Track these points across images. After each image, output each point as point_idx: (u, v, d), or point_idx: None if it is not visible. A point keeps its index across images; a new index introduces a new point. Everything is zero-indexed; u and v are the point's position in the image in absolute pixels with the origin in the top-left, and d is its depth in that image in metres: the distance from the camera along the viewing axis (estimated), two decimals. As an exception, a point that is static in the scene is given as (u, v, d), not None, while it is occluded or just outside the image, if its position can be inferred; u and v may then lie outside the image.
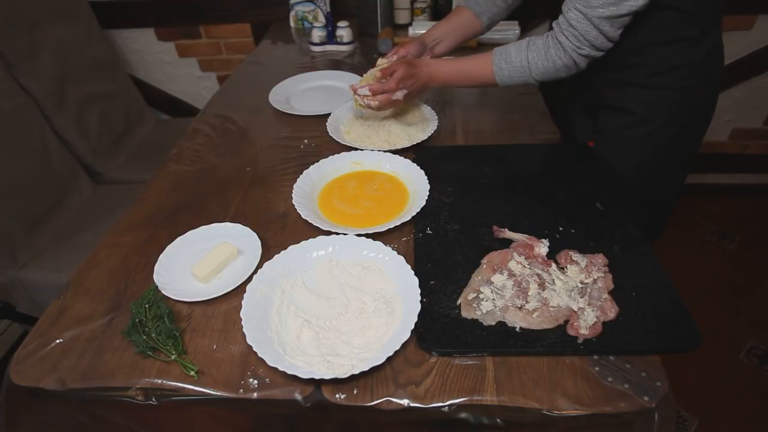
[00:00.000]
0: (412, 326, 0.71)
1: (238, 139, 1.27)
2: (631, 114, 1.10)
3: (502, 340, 0.71)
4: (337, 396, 0.67)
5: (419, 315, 0.72)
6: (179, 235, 0.92)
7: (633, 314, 0.73)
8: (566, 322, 0.72)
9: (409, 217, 0.92)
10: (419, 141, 1.15)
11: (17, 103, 1.50)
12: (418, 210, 0.93)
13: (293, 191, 0.99)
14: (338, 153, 1.11)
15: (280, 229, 0.95)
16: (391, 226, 0.90)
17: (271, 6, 2.00)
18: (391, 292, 0.79)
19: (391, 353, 0.68)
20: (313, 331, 0.73)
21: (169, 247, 0.90)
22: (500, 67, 1.02)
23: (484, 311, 0.74)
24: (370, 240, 0.86)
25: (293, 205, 0.96)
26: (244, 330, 0.72)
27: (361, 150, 1.12)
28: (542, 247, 0.82)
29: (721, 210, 2.29)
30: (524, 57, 0.99)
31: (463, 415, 0.66)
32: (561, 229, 0.89)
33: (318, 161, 1.08)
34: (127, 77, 2.03)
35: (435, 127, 1.19)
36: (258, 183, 1.09)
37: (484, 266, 0.81)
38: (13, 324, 1.79)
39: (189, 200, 1.05)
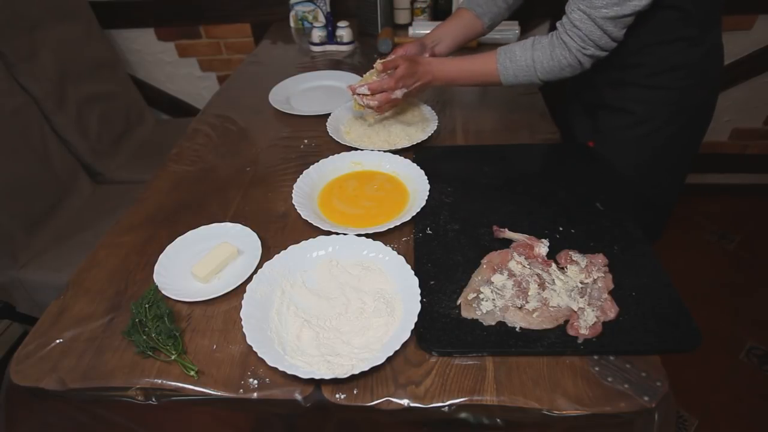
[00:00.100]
0: (412, 326, 0.71)
1: (238, 139, 1.27)
2: (630, 114, 1.10)
3: (502, 340, 0.71)
4: (337, 396, 0.67)
5: (419, 315, 0.72)
6: (179, 235, 0.92)
7: (633, 314, 0.73)
8: (566, 322, 0.72)
9: (409, 217, 0.92)
10: (419, 141, 1.15)
11: (17, 103, 1.50)
12: (418, 210, 0.93)
13: (293, 191, 0.99)
14: (338, 153, 1.11)
15: (280, 229, 0.95)
16: (391, 226, 0.90)
17: (271, 6, 2.00)
18: (391, 292, 0.79)
19: (391, 353, 0.68)
20: (313, 331, 0.73)
21: (169, 247, 0.90)
22: (505, 66, 1.02)
23: (484, 311, 0.74)
24: (370, 240, 0.86)
25: (293, 205, 0.96)
26: (244, 330, 0.72)
27: (361, 150, 1.12)
28: (542, 247, 0.82)
29: (721, 210, 2.29)
30: (529, 56, 0.99)
31: (463, 415, 0.66)
32: (561, 229, 0.89)
33: (318, 161, 1.08)
34: (127, 77, 2.03)
35: (435, 127, 1.19)
36: (258, 183, 1.09)
37: (484, 266, 0.81)
38: (13, 324, 1.79)
39: (189, 200, 1.05)
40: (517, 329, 0.72)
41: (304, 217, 0.93)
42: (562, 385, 0.66)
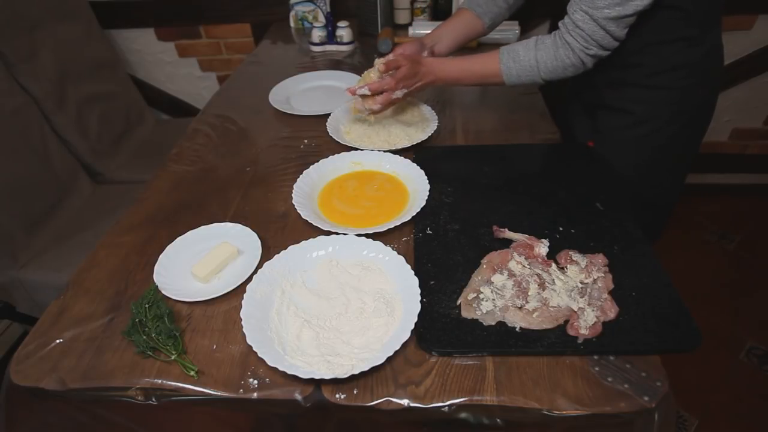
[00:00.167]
0: (412, 326, 0.71)
1: (238, 139, 1.27)
2: (630, 114, 1.10)
3: (502, 340, 0.71)
4: (337, 396, 0.67)
5: (419, 315, 0.72)
6: (179, 235, 0.92)
7: (633, 314, 0.73)
8: (566, 322, 0.72)
9: (409, 217, 0.92)
10: (419, 141, 1.15)
11: (17, 103, 1.50)
12: (418, 210, 0.93)
13: (293, 191, 0.99)
14: (338, 153, 1.11)
15: (280, 229, 0.95)
16: (391, 226, 0.90)
17: (271, 6, 2.00)
18: (391, 292, 0.79)
19: (391, 353, 0.68)
20: (313, 331, 0.73)
21: (169, 247, 0.90)
22: (508, 66, 1.03)
23: (484, 311, 0.74)
24: (370, 240, 0.86)
25: (293, 205, 0.96)
26: (244, 330, 0.72)
27: (361, 150, 1.12)
28: (542, 247, 0.82)
29: (721, 210, 2.29)
30: (533, 56, 0.99)
31: (463, 415, 0.66)
32: (561, 229, 0.89)
33: (318, 161, 1.08)
34: (127, 77, 2.03)
35: (435, 127, 1.19)
36: (258, 183, 1.09)
37: (484, 266, 0.81)
38: (13, 324, 1.79)
39: (189, 200, 1.05)
40: (517, 329, 0.72)
41: (304, 217, 0.93)
42: (562, 385, 0.66)
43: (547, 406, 0.64)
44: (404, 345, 0.70)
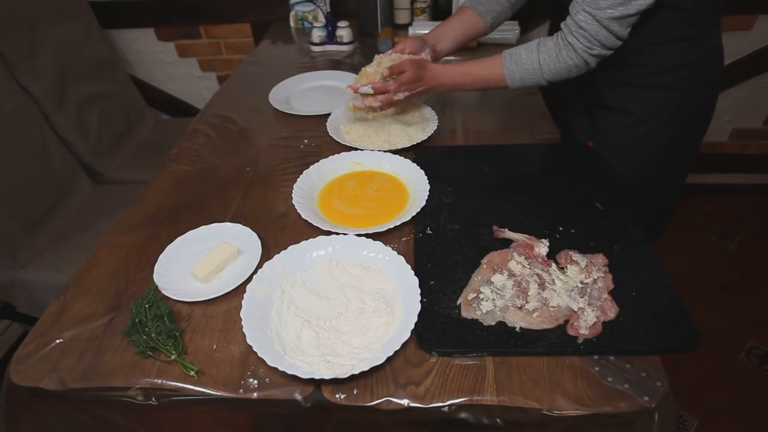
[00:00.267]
0: (412, 326, 0.71)
1: (238, 139, 1.27)
2: (630, 114, 1.10)
3: (502, 340, 0.71)
4: (337, 396, 0.67)
5: (419, 315, 0.72)
6: (179, 235, 0.92)
7: (633, 314, 0.73)
8: (566, 322, 0.72)
9: (409, 217, 0.92)
10: (419, 141, 1.15)
11: (17, 103, 1.50)
12: (418, 210, 0.93)
13: (293, 191, 0.99)
14: (338, 153, 1.11)
15: (280, 229, 0.95)
16: (391, 226, 0.90)
17: (271, 6, 2.00)
18: (391, 292, 0.79)
19: (391, 353, 0.68)
20: (313, 331, 0.73)
21: (169, 247, 0.90)
22: (511, 70, 1.03)
23: (484, 311, 0.74)
24: (370, 240, 0.86)
25: (293, 205, 0.96)
26: (244, 330, 0.72)
27: (361, 150, 1.12)
28: (542, 247, 0.82)
29: (721, 210, 2.29)
30: (535, 59, 1.00)
31: (463, 415, 0.66)
32: (561, 229, 0.89)
33: (318, 161, 1.08)
34: (127, 77, 2.03)
35: (435, 127, 1.19)
36: (258, 183, 1.09)
37: (484, 266, 0.81)
38: (13, 324, 1.79)
39: (189, 200, 1.05)
40: (517, 329, 0.72)
41: (304, 217, 0.93)
42: (562, 385, 0.66)
43: (547, 406, 0.64)
44: (404, 345, 0.70)
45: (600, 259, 0.81)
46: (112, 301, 0.83)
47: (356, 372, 0.66)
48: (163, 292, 0.81)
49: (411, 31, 1.75)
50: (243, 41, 2.11)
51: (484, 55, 1.10)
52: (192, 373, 0.70)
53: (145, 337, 0.73)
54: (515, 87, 1.06)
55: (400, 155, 1.09)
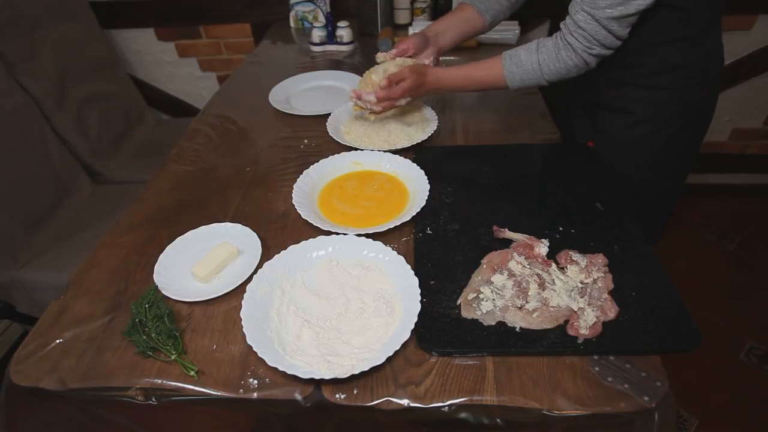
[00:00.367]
0: (412, 326, 0.71)
1: (238, 139, 1.27)
2: (630, 114, 1.10)
3: (502, 340, 0.71)
4: (337, 396, 0.67)
5: (419, 315, 0.72)
6: (179, 235, 0.92)
7: (633, 314, 0.73)
8: (566, 322, 0.72)
9: (409, 217, 0.92)
10: (419, 141, 1.15)
11: (17, 103, 1.50)
12: (418, 210, 0.93)
13: (293, 191, 0.99)
14: (338, 153, 1.11)
15: (280, 229, 0.95)
16: (391, 226, 0.90)
17: (271, 6, 2.00)
18: (391, 292, 0.79)
19: (391, 353, 0.68)
20: (313, 331, 0.73)
21: (169, 247, 0.90)
22: (511, 71, 1.03)
23: (484, 311, 0.74)
24: (370, 240, 0.86)
25: (293, 205, 0.96)
26: (244, 330, 0.72)
27: (361, 150, 1.12)
28: (542, 247, 0.82)
29: (721, 210, 2.29)
30: (535, 60, 1.00)
31: (463, 415, 0.66)
32: (561, 229, 0.89)
33: (318, 161, 1.08)
34: (127, 77, 2.03)
35: (435, 127, 1.19)
36: (258, 183, 1.09)
37: (484, 266, 0.81)
38: (13, 324, 1.79)
39: (189, 200, 1.05)
40: (517, 329, 0.72)
41: (304, 217, 0.93)
42: (562, 385, 0.66)
43: (547, 406, 0.64)
44: (404, 345, 0.70)
45: (600, 259, 0.81)
46: (112, 301, 0.83)
47: (356, 372, 0.66)
48: (163, 292, 0.81)
49: (411, 31, 1.75)
50: (243, 41, 2.11)
51: (483, 55, 1.10)
52: (192, 373, 0.70)
53: (145, 337, 0.73)
54: (516, 88, 1.06)
55: (400, 155, 1.09)
